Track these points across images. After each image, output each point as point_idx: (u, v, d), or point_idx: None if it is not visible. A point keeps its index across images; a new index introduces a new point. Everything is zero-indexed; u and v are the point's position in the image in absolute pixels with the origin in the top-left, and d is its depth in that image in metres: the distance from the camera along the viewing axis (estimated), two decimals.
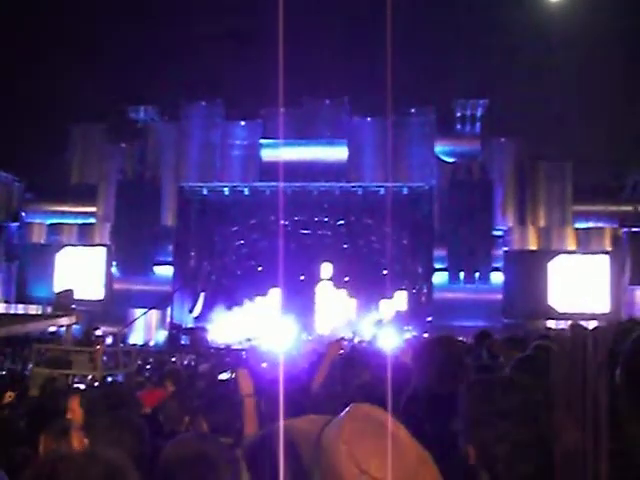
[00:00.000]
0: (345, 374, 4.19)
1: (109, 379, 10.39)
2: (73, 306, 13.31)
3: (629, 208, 26.02)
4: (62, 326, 12.82)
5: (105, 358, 11.44)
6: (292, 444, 1.77)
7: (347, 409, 1.48)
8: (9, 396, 7.08)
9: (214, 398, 4.08)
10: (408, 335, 21.35)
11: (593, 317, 21.38)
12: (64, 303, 13.02)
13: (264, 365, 8.69)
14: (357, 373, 4.18)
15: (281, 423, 1.69)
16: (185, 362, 17.81)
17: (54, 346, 12.06)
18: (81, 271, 27.21)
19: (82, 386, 8.78)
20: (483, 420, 2.03)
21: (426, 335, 20.68)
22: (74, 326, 13.15)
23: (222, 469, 2.41)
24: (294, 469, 1.73)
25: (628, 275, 25.05)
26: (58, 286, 24.61)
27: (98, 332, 16.15)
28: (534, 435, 2.02)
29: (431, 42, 23.16)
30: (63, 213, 28.66)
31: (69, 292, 13.68)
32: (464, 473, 2.08)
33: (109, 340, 16.70)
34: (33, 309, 24.87)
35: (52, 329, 18.44)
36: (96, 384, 9.35)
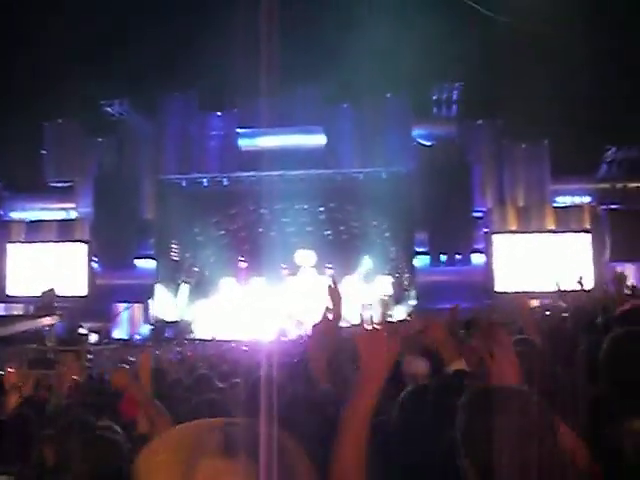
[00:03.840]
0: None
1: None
2: (56, 305, 13.24)
3: (607, 185, 26.20)
4: (46, 326, 12.75)
5: (90, 357, 11.39)
6: None
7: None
8: None
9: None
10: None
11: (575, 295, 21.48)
12: (47, 303, 12.95)
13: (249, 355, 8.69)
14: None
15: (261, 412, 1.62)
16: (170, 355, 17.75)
17: (38, 346, 11.99)
18: (62, 268, 26.96)
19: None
20: (480, 436, 1.89)
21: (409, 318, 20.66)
22: (58, 324, 13.08)
23: None
24: None
25: (608, 252, 25.23)
26: (39, 284, 24.46)
27: (82, 330, 16.09)
28: (539, 455, 1.85)
29: (405, 26, 23.06)
30: (42, 210, 28.47)
31: (52, 292, 13.60)
32: None
33: (93, 337, 16.65)
34: (16, 309, 24.67)
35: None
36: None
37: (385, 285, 27.27)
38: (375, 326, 2.15)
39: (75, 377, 6.89)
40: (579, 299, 4.89)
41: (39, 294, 14.90)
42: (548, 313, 5.63)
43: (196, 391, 5.37)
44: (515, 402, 1.87)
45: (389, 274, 27.42)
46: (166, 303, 27.37)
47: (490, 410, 1.85)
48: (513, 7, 22.51)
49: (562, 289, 5.05)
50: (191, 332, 25.66)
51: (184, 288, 28.09)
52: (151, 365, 4.11)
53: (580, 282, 4.75)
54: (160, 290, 27.18)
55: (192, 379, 6.29)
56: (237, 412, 3.26)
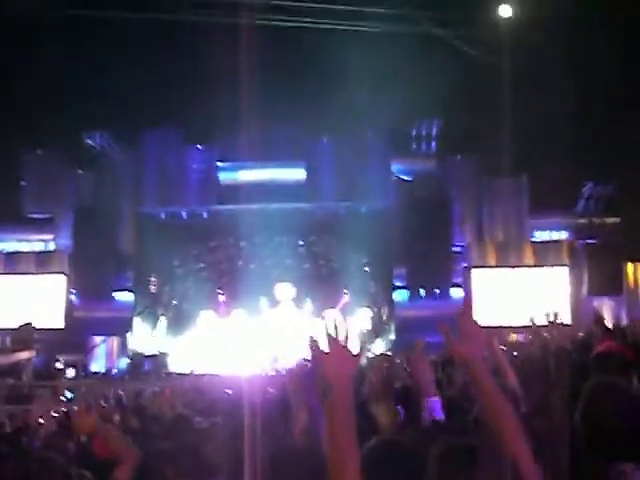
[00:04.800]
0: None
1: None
2: (34, 338, 13.15)
3: (584, 221, 26.42)
4: (22, 360, 12.63)
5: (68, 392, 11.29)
6: None
7: None
8: None
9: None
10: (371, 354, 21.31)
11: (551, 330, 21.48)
12: (24, 337, 12.84)
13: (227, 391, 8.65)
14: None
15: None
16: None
17: (15, 381, 11.86)
18: (39, 300, 26.60)
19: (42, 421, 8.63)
20: None
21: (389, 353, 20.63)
22: (35, 358, 12.95)
23: None
24: None
25: (585, 286, 25.37)
26: (16, 316, 24.18)
27: (59, 363, 15.93)
28: None
29: (385, 63, 23.29)
30: (20, 241, 28.21)
31: (29, 326, 13.49)
32: None
33: (71, 371, 16.48)
34: None
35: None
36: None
37: (364, 318, 27.20)
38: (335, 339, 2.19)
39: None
40: (556, 336, 4.86)
41: (16, 327, 14.77)
42: (516, 354, 5.57)
43: (175, 431, 5.32)
44: (485, 458, 1.88)
45: (368, 307, 27.34)
46: (144, 336, 27.14)
47: (461, 464, 1.87)
48: (490, 44, 22.86)
49: (537, 325, 5.01)
50: (169, 366, 25.45)
51: (163, 321, 27.90)
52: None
53: (555, 318, 4.74)
54: (138, 323, 26.99)
55: (171, 418, 6.24)
56: (216, 458, 3.25)
